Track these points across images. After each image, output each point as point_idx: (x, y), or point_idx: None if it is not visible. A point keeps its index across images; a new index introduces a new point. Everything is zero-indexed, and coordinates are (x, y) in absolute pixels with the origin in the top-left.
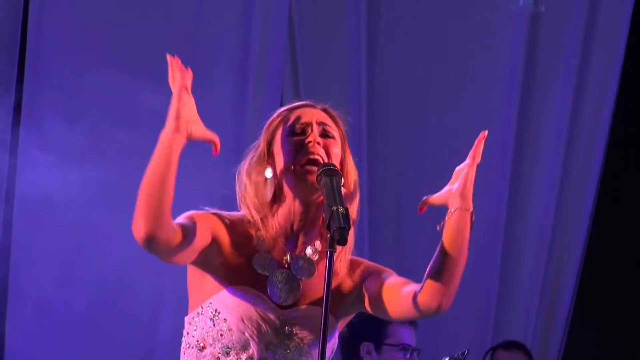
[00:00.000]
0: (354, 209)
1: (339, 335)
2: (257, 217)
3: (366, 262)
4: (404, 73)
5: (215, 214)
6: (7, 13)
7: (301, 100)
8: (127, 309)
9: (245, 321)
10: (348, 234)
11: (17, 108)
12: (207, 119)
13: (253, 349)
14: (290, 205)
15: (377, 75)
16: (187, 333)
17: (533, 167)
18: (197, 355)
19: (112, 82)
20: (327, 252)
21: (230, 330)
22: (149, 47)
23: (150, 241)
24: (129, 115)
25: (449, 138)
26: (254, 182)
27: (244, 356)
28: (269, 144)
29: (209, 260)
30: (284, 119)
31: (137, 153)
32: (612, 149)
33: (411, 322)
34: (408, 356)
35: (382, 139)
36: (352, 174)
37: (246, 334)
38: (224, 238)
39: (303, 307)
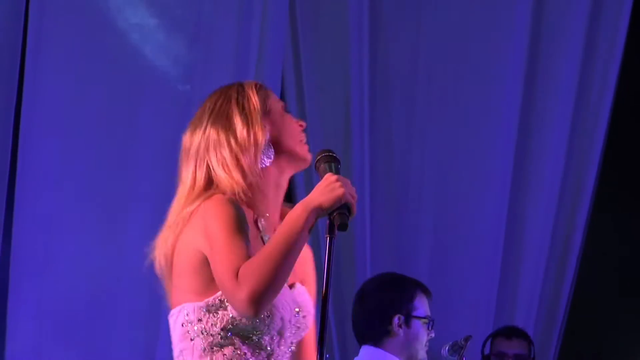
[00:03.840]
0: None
1: (363, 303)
2: (248, 194)
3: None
4: (406, 63)
5: (239, 210)
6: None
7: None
8: (127, 312)
9: (279, 305)
10: (348, 219)
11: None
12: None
13: (284, 330)
14: (278, 180)
15: (379, 66)
16: (199, 320)
17: (536, 153)
18: (216, 342)
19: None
20: (326, 237)
21: (269, 316)
22: (148, 39)
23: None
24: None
25: (451, 129)
26: (252, 152)
27: (276, 339)
28: (266, 114)
29: None
30: (267, 92)
31: (130, 166)
32: (613, 137)
33: (428, 292)
34: (430, 328)
35: (384, 130)
36: None
37: (282, 317)
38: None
39: (296, 285)
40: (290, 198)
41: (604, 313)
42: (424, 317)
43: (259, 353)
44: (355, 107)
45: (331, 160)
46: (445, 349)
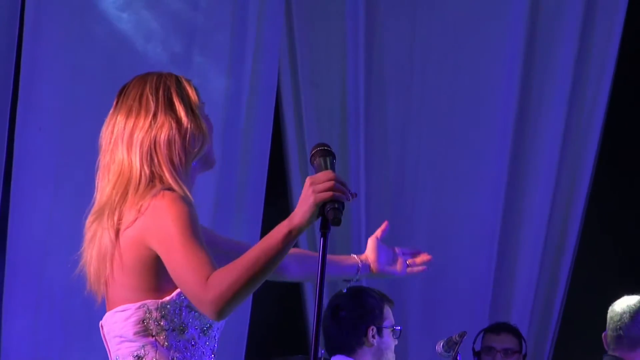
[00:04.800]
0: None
1: (337, 317)
2: (188, 193)
3: None
4: (402, 57)
5: (193, 209)
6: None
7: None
8: None
9: None
10: (342, 214)
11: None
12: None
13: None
14: (193, 180)
15: (375, 60)
16: (163, 317)
17: (532, 149)
18: (177, 337)
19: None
20: (321, 232)
21: None
22: (144, 35)
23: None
24: None
25: (447, 123)
26: (195, 150)
27: (220, 329)
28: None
29: None
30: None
31: None
32: (608, 132)
33: (392, 302)
34: (398, 336)
35: (380, 124)
36: None
37: None
38: None
39: None
40: (286, 194)
41: (600, 310)
42: (392, 327)
43: (208, 344)
44: (350, 101)
45: (326, 155)
46: (440, 345)
